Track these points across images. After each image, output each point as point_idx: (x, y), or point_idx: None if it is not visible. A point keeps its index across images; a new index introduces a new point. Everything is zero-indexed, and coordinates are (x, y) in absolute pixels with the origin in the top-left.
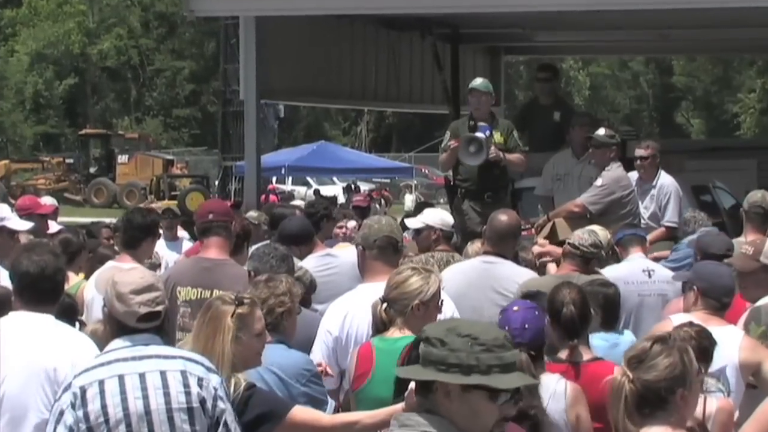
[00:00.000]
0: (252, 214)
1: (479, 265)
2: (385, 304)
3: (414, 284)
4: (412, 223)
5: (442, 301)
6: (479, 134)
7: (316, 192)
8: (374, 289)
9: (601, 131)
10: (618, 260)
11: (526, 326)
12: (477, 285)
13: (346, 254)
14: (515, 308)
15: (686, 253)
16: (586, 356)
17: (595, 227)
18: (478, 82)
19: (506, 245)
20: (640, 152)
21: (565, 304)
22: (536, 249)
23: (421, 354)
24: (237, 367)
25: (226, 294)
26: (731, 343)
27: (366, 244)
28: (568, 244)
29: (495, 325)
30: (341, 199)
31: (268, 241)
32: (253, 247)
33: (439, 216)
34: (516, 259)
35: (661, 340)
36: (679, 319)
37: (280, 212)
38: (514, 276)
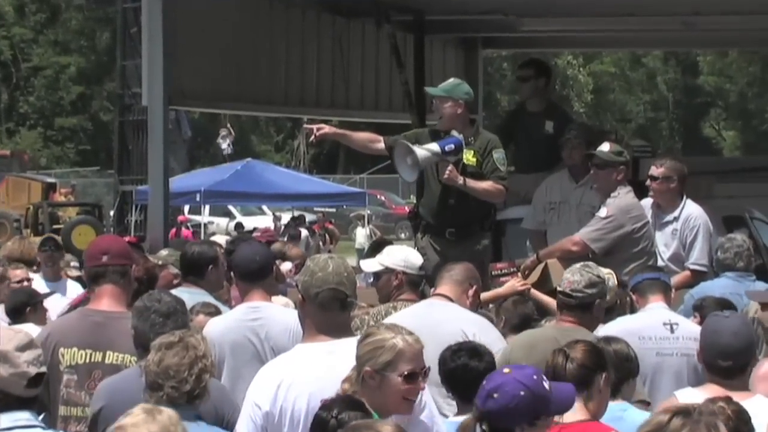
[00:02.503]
0: (163, 253)
1: (420, 309)
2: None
3: (369, 346)
4: (368, 265)
5: (424, 371)
6: (422, 149)
7: (239, 226)
8: (314, 352)
9: (606, 147)
10: (633, 311)
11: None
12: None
13: (271, 308)
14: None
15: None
16: (577, 416)
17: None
18: (446, 83)
19: (459, 288)
20: (651, 171)
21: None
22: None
23: None
24: None
25: None
26: (756, 422)
27: (306, 295)
28: (559, 293)
29: None
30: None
31: (156, 291)
32: None
33: (401, 255)
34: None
35: (683, 413)
36: (686, 395)
37: (197, 251)
38: (459, 321)
